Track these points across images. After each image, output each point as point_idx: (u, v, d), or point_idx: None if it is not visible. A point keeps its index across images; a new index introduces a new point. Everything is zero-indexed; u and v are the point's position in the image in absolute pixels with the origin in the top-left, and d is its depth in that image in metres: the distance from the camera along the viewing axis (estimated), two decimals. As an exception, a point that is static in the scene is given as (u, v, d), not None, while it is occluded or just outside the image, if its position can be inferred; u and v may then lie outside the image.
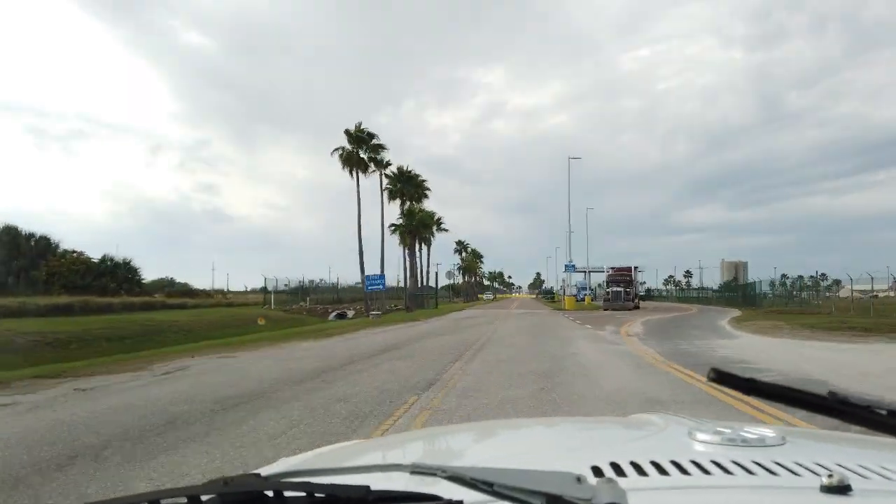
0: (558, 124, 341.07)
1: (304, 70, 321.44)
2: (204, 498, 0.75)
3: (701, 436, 1.07)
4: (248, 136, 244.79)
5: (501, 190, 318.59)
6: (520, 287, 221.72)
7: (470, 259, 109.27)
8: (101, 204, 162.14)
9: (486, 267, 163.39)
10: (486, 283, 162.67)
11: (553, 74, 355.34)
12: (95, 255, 37.58)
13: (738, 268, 72.43)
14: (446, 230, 62.86)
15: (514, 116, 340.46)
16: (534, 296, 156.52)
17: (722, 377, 0.94)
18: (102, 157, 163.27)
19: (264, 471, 1.01)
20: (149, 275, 44.73)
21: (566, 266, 53.70)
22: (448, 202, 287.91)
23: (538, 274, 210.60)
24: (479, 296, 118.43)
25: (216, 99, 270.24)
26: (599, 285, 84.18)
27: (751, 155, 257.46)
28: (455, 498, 0.73)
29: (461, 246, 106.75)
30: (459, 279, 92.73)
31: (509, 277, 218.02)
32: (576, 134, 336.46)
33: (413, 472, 0.82)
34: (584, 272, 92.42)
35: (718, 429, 1.08)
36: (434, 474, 0.79)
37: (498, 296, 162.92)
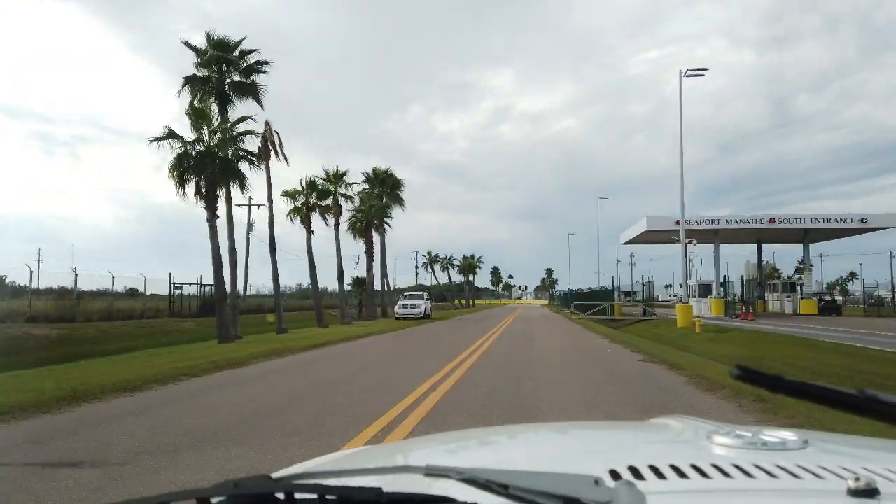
0: (567, 128, 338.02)
1: (313, 74, 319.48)
2: (214, 500, 0.74)
3: (720, 439, 1.05)
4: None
5: (507, 195, 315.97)
6: (524, 288, 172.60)
7: (369, 194, 39.05)
8: (108, 209, 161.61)
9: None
10: (437, 273, 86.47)
11: (562, 77, 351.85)
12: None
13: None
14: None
15: (522, 120, 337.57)
16: (545, 302, 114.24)
17: (747, 375, 0.92)
18: (108, 163, 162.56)
19: (277, 474, 0.99)
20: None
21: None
22: (454, 208, 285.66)
23: (549, 272, 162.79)
24: (405, 307, 36.50)
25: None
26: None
27: (761, 159, 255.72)
28: (469, 500, 0.72)
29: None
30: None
31: (510, 277, 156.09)
32: (584, 138, 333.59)
33: (427, 474, 0.81)
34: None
35: (739, 432, 1.06)
36: (448, 476, 0.78)
37: (485, 302, 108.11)
